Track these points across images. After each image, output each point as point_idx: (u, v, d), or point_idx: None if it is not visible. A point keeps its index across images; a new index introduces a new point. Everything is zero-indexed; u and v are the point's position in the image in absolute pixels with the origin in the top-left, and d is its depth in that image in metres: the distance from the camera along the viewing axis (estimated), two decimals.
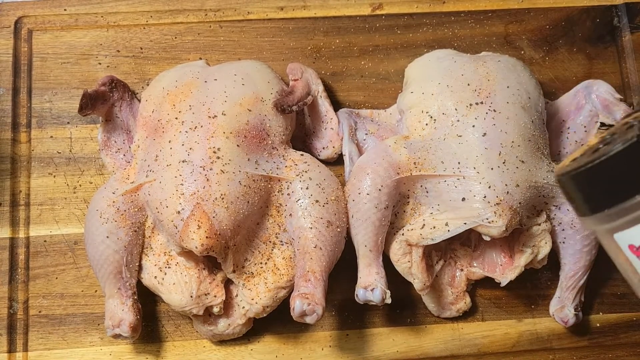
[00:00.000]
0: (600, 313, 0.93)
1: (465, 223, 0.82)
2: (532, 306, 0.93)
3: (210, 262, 0.85)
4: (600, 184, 0.60)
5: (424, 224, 0.84)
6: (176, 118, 0.84)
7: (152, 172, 0.83)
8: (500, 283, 0.87)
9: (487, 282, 0.91)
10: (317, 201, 0.83)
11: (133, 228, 0.84)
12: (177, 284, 0.83)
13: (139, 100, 0.92)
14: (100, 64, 0.98)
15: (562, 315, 0.88)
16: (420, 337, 0.91)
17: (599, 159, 0.59)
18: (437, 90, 0.87)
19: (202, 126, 0.83)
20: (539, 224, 0.85)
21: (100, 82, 0.92)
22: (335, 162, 0.94)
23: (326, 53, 1.00)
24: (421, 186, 0.85)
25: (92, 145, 0.95)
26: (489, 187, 0.81)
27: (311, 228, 0.81)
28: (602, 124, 0.91)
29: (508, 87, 0.86)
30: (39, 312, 0.90)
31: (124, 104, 0.93)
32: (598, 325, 0.93)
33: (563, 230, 0.87)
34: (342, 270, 0.85)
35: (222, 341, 0.89)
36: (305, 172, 0.85)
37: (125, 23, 1.00)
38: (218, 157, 0.81)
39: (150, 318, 0.90)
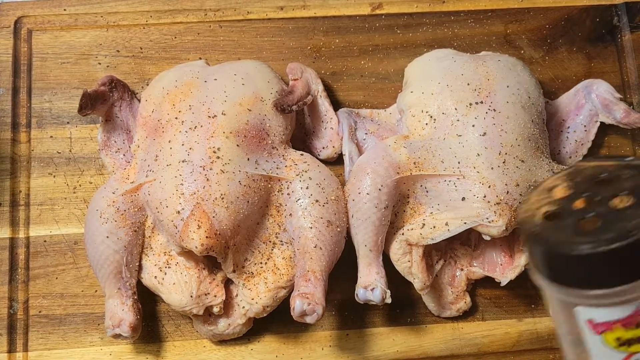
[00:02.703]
0: None
1: (465, 223, 0.82)
2: (533, 306, 0.93)
3: (210, 262, 0.85)
4: (571, 269, 0.55)
5: (424, 224, 0.84)
6: (176, 118, 0.84)
7: (152, 172, 0.83)
8: (500, 283, 0.87)
9: (487, 282, 0.91)
10: (317, 201, 0.83)
11: (133, 228, 0.84)
12: (177, 284, 0.83)
13: (139, 100, 0.92)
14: (100, 64, 0.98)
15: None
16: (420, 337, 0.91)
17: (577, 251, 0.52)
18: (437, 90, 0.87)
19: (202, 126, 0.83)
20: None
21: (100, 82, 0.91)
22: (335, 162, 0.94)
23: (326, 53, 1.00)
24: (421, 186, 0.85)
25: (92, 145, 0.95)
26: (489, 186, 0.81)
27: (311, 228, 0.81)
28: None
29: (508, 86, 0.86)
30: (39, 312, 0.90)
31: (123, 104, 0.93)
32: None
33: None
34: (342, 270, 0.85)
35: (222, 341, 0.89)
36: (305, 171, 0.85)
37: (125, 23, 1.00)
38: (218, 157, 0.81)
39: (150, 318, 0.90)
